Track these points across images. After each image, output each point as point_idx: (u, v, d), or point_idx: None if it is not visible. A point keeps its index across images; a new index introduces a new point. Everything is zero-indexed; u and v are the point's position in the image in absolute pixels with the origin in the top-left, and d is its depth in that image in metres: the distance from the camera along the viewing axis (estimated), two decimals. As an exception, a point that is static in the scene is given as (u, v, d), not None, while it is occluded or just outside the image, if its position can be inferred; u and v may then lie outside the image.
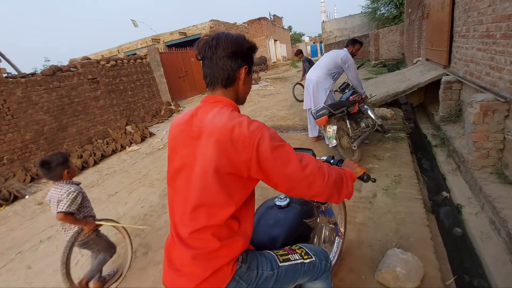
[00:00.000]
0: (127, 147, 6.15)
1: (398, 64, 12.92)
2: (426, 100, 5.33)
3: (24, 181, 4.99)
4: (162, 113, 8.98)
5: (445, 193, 2.88)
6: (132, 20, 13.97)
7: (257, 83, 13.80)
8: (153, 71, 9.05)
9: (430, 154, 3.89)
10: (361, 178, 1.12)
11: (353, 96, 3.70)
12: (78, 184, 2.14)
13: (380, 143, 3.97)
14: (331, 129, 3.18)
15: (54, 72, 6.07)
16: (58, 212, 1.88)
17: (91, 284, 2.05)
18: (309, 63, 7.46)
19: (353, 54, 3.89)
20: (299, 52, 7.93)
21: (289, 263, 1.00)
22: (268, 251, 1.01)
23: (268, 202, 1.32)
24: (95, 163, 5.44)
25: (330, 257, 1.52)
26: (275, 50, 26.92)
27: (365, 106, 4.10)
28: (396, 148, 3.72)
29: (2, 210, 4.13)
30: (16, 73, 5.79)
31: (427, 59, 6.27)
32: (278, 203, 1.23)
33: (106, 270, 2.30)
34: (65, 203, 1.88)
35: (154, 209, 3.35)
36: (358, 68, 4.11)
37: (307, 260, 1.05)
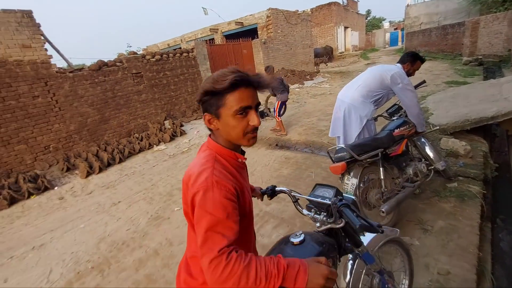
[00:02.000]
0: (154, 145, 6.13)
1: (501, 64, 9.89)
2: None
3: (62, 170, 5.39)
4: (203, 108, 8.83)
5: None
6: (203, 7, 14.19)
7: (312, 79, 12.54)
8: (198, 65, 8.90)
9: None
10: None
11: (401, 128, 2.61)
12: None
13: (434, 198, 2.77)
14: (350, 183, 2.25)
15: (100, 67, 6.35)
16: None
17: None
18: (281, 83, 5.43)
19: (409, 75, 2.75)
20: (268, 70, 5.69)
21: None
22: None
23: (286, 237, 1.21)
24: (121, 160, 5.54)
25: None
26: (344, 38, 24.36)
27: (422, 140, 2.91)
28: (458, 214, 2.50)
29: (31, 200, 4.48)
30: (66, 65, 6.25)
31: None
32: (291, 239, 1.13)
33: None
34: None
35: (133, 238, 3.03)
36: (416, 87, 2.90)
37: None
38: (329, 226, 1.17)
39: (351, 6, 25.92)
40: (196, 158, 0.94)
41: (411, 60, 2.77)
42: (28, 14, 5.15)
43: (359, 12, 28.78)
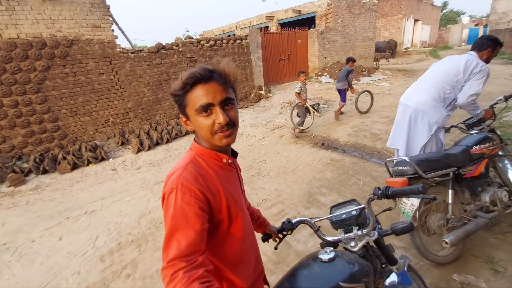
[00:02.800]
0: (200, 130, 6.28)
1: None
2: None
3: (117, 143, 5.86)
4: (250, 98, 8.79)
5: None
6: (260, -6, 14.01)
7: (370, 75, 11.55)
8: (250, 53, 8.80)
9: None
10: None
11: (482, 146, 2.15)
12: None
13: (511, 234, 2.26)
14: (409, 203, 1.92)
15: (158, 49, 6.65)
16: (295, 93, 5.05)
17: (296, 130, 5.25)
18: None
19: (486, 62, 2.32)
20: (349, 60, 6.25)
21: None
22: None
23: (315, 252, 1.16)
24: (168, 141, 5.80)
25: None
26: (412, 32, 21.90)
27: (505, 162, 2.39)
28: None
29: (89, 167, 4.96)
30: (130, 47, 6.67)
31: None
32: (320, 255, 1.08)
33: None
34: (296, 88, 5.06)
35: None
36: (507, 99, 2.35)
37: None
38: (364, 241, 1.11)
39: (425, -4, 23.08)
40: (179, 158, 0.91)
41: (493, 45, 2.29)
42: (101, -4, 5.56)
43: (434, 3, 25.51)
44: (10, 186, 4.35)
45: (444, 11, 36.16)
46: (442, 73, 2.41)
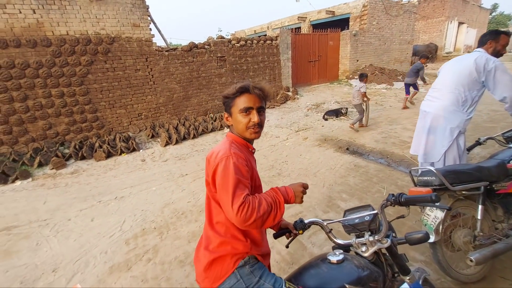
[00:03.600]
0: (225, 127, 6.42)
1: None
2: None
3: (148, 136, 6.20)
4: (277, 98, 8.80)
5: None
6: (294, -5, 13.98)
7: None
8: (280, 54, 8.81)
9: None
10: None
11: (523, 160, 1.99)
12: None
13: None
14: (432, 215, 1.84)
15: (191, 48, 6.91)
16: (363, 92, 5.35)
17: (355, 125, 5.53)
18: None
19: (498, 55, 2.24)
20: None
21: None
22: (281, 277, 1.14)
23: (325, 253, 1.21)
24: (194, 136, 6.01)
25: None
26: (455, 36, 20.44)
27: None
28: None
29: (122, 157, 5.31)
30: (165, 45, 7.01)
31: None
32: (329, 256, 1.12)
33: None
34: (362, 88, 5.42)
35: (191, 211, 3.24)
36: None
37: None
38: (376, 247, 1.10)
39: (473, -3, 21.41)
40: (218, 144, 1.20)
41: (492, 38, 2.21)
42: (141, -4, 5.92)
43: (482, 5, 23.57)
44: (52, 168, 4.80)
45: (493, 14, 33.29)
46: (455, 76, 2.32)
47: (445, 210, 1.82)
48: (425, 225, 1.87)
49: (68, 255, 2.60)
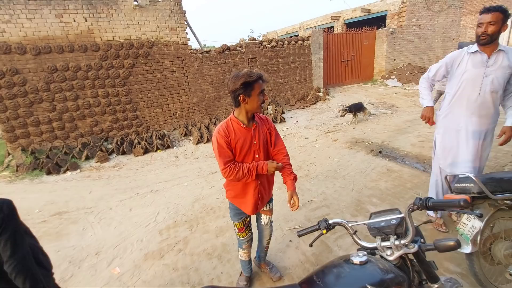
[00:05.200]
0: (254, 128, 6.52)
1: None
2: None
3: (181, 134, 6.53)
4: (307, 99, 8.70)
5: None
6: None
7: (447, 80, 10.18)
8: (311, 54, 8.70)
9: None
10: None
11: None
12: None
13: None
14: (469, 224, 1.73)
15: (224, 50, 7.13)
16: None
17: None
18: None
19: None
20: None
21: None
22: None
23: (348, 254, 1.19)
24: (224, 136, 6.18)
25: None
26: (509, 31, 18.37)
27: None
28: None
29: (157, 153, 5.66)
30: (199, 48, 7.30)
31: None
32: (352, 257, 1.10)
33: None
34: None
35: (219, 207, 3.36)
36: None
37: None
38: (402, 251, 1.07)
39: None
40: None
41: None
42: (178, 2, 6.25)
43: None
44: (97, 162, 5.27)
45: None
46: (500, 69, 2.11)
47: (485, 220, 1.70)
48: (461, 234, 1.76)
49: (109, 241, 2.86)
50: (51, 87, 5.54)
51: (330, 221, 1.31)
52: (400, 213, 1.17)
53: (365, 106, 6.50)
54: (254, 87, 1.51)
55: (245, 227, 1.96)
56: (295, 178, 1.74)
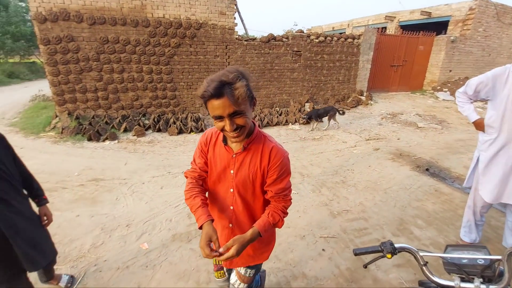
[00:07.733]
0: (290, 123, 6.31)
1: None
2: None
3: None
4: (348, 101, 8.27)
5: None
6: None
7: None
8: (360, 54, 8.20)
9: None
10: None
11: None
12: None
13: None
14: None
15: (269, 40, 6.93)
16: None
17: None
18: None
19: None
20: None
21: None
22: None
23: None
24: (258, 127, 6.05)
25: None
26: None
27: None
28: None
29: (191, 135, 5.69)
30: (244, 34, 7.16)
31: None
32: None
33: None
34: None
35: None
36: None
37: None
38: None
39: None
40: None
41: None
42: (232, -15, 6.12)
43: None
44: (134, 135, 5.42)
45: None
46: None
47: None
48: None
49: (140, 215, 2.88)
50: (101, 58, 5.74)
51: (396, 245, 1.13)
52: (489, 252, 0.97)
53: (339, 111, 6.11)
54: (207, 106, 0.99)
55: (222, 266, 1.46)
56: (274, 222, 1.16)
